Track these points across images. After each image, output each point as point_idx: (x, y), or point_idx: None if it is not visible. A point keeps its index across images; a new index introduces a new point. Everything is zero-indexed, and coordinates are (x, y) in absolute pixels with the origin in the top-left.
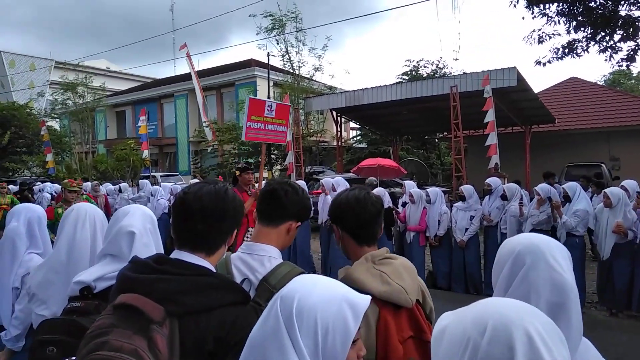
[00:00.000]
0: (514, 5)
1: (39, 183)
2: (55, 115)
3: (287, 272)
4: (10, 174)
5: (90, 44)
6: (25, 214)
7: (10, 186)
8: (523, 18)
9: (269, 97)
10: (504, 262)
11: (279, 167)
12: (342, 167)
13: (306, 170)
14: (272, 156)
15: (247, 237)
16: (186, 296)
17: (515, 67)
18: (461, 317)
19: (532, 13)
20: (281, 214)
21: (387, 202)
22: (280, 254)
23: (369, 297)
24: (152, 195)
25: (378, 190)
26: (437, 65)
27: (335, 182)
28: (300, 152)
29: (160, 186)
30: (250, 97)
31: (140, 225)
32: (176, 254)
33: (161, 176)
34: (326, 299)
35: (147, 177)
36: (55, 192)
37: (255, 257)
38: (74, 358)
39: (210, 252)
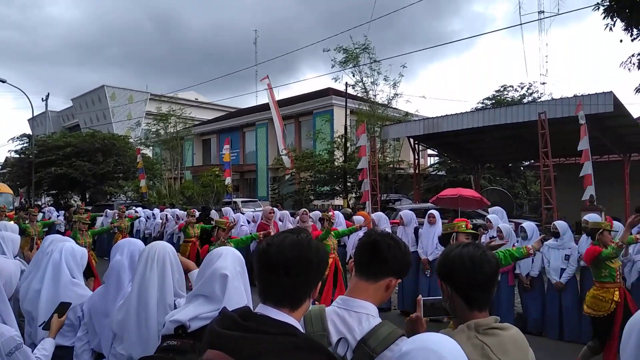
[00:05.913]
0: (610, 29)
1: (133, 207)
2: (150, 144)
3: (387, 333)
4: (108, 197)
5: (180, 77)
6: (129, 247)
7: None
8: (621, 41)
9: (345, 126)
10: (629, 332)
11: (354, 195)
12: (419, 195)
13: (382, 198)
14: (348, 184)
15: None
16: (269, 358)
17: (611, 92)
18: None
19: (632, 35)
20: (382, 270)
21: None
22: (377, 311)
23: None
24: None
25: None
26: (528, 89)
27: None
28: (376, 180)
29: (243, 213)
30: None
31: (232, 267)
32: (261, 309)
33: (242, 202)
34: None
35: (228, 203)
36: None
37: (352, 314)
38: None
39: (294, 307)
